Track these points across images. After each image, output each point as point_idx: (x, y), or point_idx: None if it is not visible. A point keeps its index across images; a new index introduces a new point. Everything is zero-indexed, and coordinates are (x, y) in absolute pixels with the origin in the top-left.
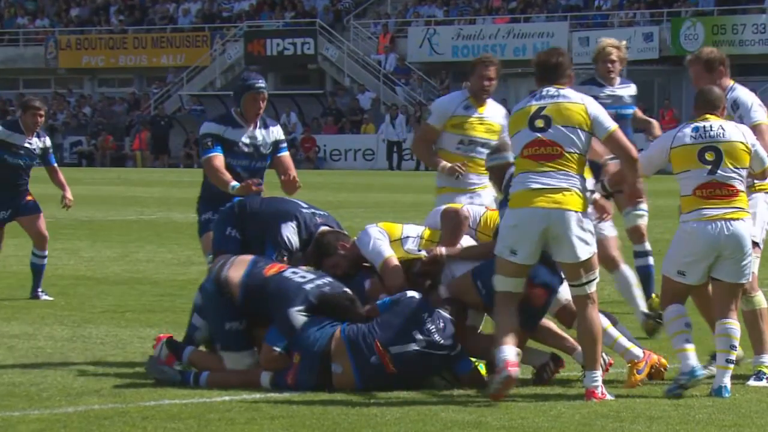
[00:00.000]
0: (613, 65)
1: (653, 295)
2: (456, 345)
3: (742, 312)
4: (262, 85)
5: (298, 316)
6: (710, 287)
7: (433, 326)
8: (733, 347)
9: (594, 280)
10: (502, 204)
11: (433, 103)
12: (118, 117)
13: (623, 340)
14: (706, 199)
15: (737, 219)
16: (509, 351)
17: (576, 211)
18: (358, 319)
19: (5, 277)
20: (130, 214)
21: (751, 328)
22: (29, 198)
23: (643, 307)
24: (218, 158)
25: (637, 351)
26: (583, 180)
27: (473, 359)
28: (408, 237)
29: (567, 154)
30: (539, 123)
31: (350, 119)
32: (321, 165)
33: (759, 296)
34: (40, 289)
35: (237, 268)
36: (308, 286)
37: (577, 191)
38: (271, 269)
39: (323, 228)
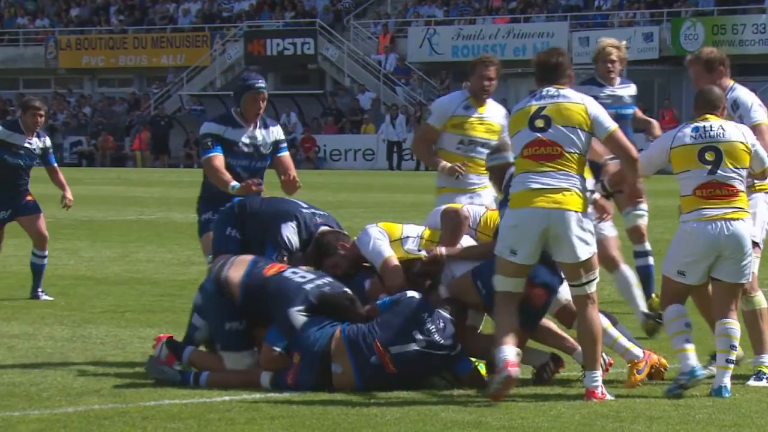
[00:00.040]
0: (613, 65)
1: (653, 296)
2: (456, 345)
3: (742, 312)
4: (262, 85)
5: (298, 316)
6: (710, 287)
7: (433, 326)
8: (733, 347)
9: (594, 280)
10: (502, 204)
11: (433, 103)
12: (118, 117)
13: (623, 340)
14: (706, 199)
15: (737, 219)
16: (509, 351)
17: (576, 211)
18: (358, 319)
19: (5, 277)
20: (130, 214)
21: (751, 328)
22: (29, 198)
23: (643, 307)
24: (218, 158)
25: (637, 351)
26: (583, 180)
27: (473, 359)
28: (408, 237)
29: (567, 154)
30: (539, 123)
31: (350, 119)
32: (321, 165)
33: (759, 296)
34: (40, 289)
35: (237, 268)
36: (308, 286)
37: (577, 191)
38: (271, 269)
39: (323, 228)
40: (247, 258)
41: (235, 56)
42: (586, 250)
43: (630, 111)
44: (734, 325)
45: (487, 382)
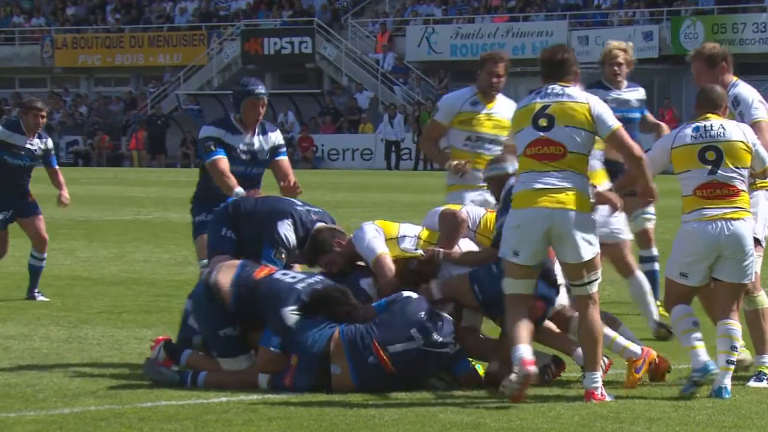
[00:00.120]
0: (620, 68)
1: (657, 302)
2: (455, 343)
3: (744, 312)
4: (262, 91)
5: (292, 315)
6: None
7: (431, 324)
8: (734, 348)
9: (596, 280)
10: (501, 213)
11: (440, 99)
12: (115, 116)
13: (621, 339)
14: (707, 199)
15: (738, 219)
16: (525, 349)
17: (579, 211)
18: (351, 311)
19: (1, 277)
20: (126, 214)
21: (752, 328)
22: (30, 199)
23: (655, 315)
24: (223, 161)
25: (635, 348)
26: (586, 180)
27: (471, 360)
28: (405, 236)
29: (570, 154)
30: (543, 122)
31: (348, 118)
32: (319, 164)
33: (761, 296)
34: (36, 290)
35: (226, 273)
36: (300, 286)
37: (581, 191)
38: (261, 272)
39: (319, 225)
40: (236, 262)
41: (232, 55)
42: (589, 251)
43: (637, 115)
44: (735, 325)
45: (503, 384)
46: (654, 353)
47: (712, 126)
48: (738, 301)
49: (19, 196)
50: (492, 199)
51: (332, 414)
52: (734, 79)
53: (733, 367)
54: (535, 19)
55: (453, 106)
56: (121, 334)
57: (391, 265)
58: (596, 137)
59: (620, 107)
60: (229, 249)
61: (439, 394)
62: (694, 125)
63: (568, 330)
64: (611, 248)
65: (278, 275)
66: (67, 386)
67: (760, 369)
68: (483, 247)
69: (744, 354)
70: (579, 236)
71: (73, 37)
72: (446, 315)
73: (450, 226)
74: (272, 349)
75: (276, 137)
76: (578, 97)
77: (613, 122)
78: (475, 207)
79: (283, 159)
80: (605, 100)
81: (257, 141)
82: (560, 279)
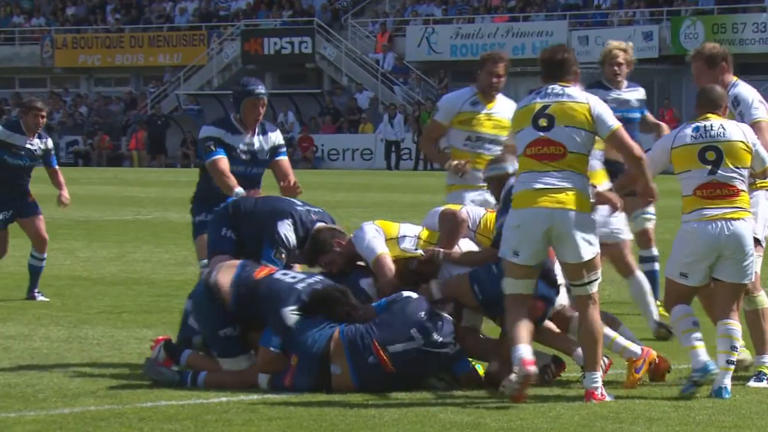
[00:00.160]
0: (620, 68)
1: (657, 302)
2: (455, 343)
3: (744, 312)
4: (262, 91)
5: (292, 315)
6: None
7: (431, 324)
8: (734, 348)
9: (596, 280)
10: (501, 213)
11: (440, 99)
12: (115, 116)
13: (621, 339)
14: (707, 199)
15: (738, 219)
16: (525, 349)
17: (579, 211)
18: (351, 311)
19: (1, 277)
20: (126, 214)
21: (752, 328)
22: (30, 199)
23: (655, 315)
24: (223, 161)
25: (635, 348)
26: (586, 180)
27: (471, 360)
28: (405, 236)
29: (570, 154)
30: (543, 122)
31: (348, 118)
32: (319, 165)
33: (762, 296)
34: (36, 290)
35: (226, 273)
36: (300, 286)
37: (581, 191)
38: (261, 272)
39: (319, 224)
40: (236, 262)
41: (233, 55)
42: (589, 251)
43: (637, 115)
44: (735, 326)
45: (503, 384)
46: (654, 353)
47: (712, 126)
48: (738, 301)
49: (19, 196)
50: (492, 199)
51: (332, 414)
52: (734, 79)
53: (733, 367)
54: (535, 19)
55: (453, 106)
56: (121, 334)
57: (391, 265)
58: (596, 137)
59: (620, 107)
60: (229, 249)
61: (439, 394)
62: (694, 125)
63: (568, 330)
64: (611, 248)
65: (278, 275)
66: (67, 386)
67: (760, 369)
68: (483, 247)
69: (744, 354)
70: (579, 236)
71: (73, 37)
72: (446, 315)
73: (450, 226)
74: (272, 349)
75: (276, 137)
76: (578, 97)
77: (613, 122)
78: (475, 207)
79: (283, 159)
80: (605, 100)
81: (257, 141)
82: (560, 279)
